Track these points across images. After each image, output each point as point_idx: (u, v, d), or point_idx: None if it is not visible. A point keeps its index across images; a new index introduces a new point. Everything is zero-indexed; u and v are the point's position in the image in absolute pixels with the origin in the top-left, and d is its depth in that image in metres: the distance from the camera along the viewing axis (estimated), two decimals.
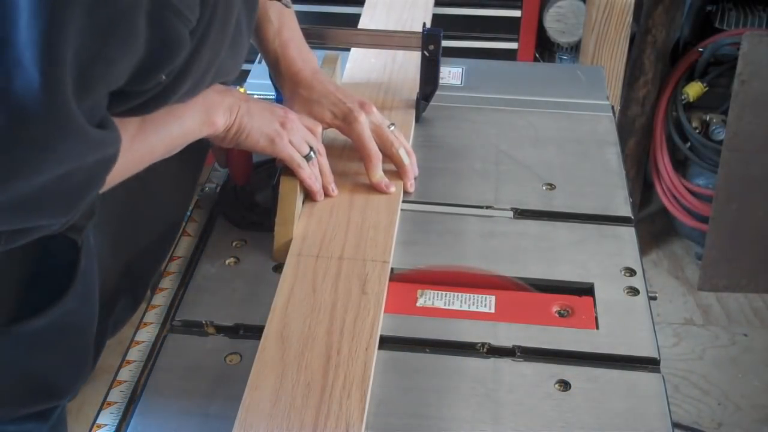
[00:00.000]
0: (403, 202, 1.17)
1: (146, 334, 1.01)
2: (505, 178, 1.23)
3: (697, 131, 2.64)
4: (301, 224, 1.08)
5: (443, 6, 2.49)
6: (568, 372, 0.94)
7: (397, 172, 1.17)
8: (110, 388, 0.95)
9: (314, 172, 1.10)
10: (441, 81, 1.32)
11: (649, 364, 0.95)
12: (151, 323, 1.02)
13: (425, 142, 1.31)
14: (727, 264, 2.62)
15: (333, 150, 1.18)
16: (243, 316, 1.00)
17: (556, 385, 0.92)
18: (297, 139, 1.07)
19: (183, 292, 1.04)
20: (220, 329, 0.99)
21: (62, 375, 0.96)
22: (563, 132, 1.35)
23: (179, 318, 1.00)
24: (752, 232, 2.58)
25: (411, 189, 1.18)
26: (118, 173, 0.86)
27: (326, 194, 1.12)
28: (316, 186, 1.10)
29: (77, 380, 0.98)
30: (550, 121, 1.37)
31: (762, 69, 2.41)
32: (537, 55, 2.61)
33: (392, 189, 1.14)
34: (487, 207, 1.18)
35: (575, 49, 2.57)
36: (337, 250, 1.03)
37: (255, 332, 0.98)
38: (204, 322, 0.99)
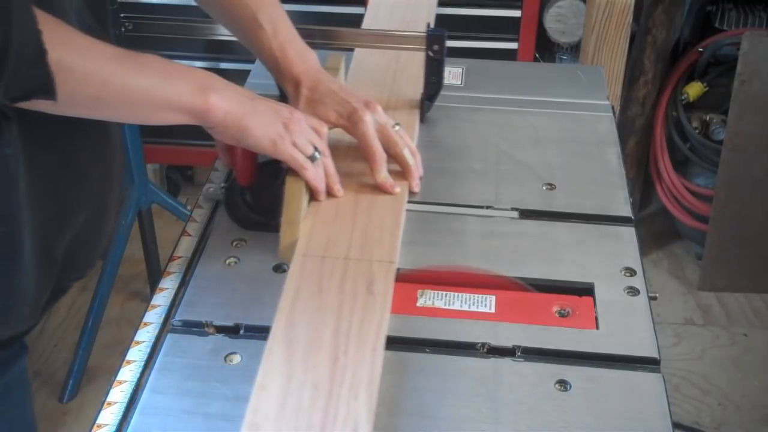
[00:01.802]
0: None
1: (146, 334, 1.01)
2: (505, 178, 1.23)
3: (697, 131, 2.64)
4: (306, 224, 1.07)
5: (443, 6, 2.48)
6: (568, 372, 0.94)
7: (401, 172, 1.17)
8: (110, 387, 0.95)
9: (318, 172, 1.09)
10: None
11: (650, 364, 0.95)
12: (151, 323, 1.02)
13: (425, 142, 1.31)
14: (727, 264, 2.62)
15: (338, 150, 1.17)
16: (243, 316, 1.00)
17: (556, 385, 0.92)
18: (301, 140, 1.07)
19: (183, 292, 1.04)
20: (220, 329, 0.99)
21: None
22: (563, 132, 1.35)
23: (179, 318, 1.00)
24: (752, 232, 2.58)
25: (416, 189, 1.18)
26: (83, 90, 0.88)
27: (331, 194, 1.12)
28: (320, 186, 1.10)
29: (11, 312, 0.96)
30: (550, 121, 1.37)
31: (762, 69, 2.41)
32: (537, 55, 2.61)
33: (397, 189, 1.14)
34: (488, 207, 1.18)
35: (575, 49, 2.57)
36: (342, 251, 1.03)
37: (255, 332, 0.98)
38: (204, 322, 0.99)
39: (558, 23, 2.53)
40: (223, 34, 1.26)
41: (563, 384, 0.92)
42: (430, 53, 1.26)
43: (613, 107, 1.43)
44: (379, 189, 1.14)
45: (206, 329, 0.99)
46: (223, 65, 2.52)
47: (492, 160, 1.27)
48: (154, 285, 2.35)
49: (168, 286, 1.08)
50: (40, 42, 0.81)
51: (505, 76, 1.51)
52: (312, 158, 1.08)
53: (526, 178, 1.24)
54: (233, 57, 2.44)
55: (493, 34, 2.54)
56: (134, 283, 2.62)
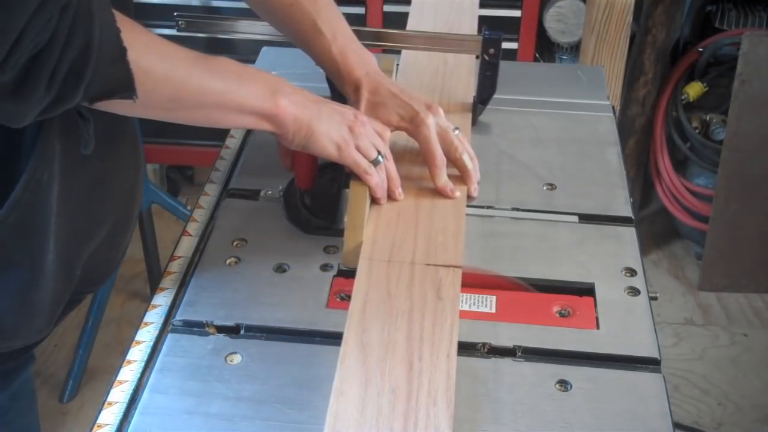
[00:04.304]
0: None
1: (147, 334, 1.01)
2: (505, 178, 1.23)
3: (697, 131, 2.64)
4: (369, 228, 1.07)
5: None
6: (569, 372, 0.94)
7: (459, 176, 1.16)
8: (111, 387, 0.95)
9: (381, 176, 1.09)
10: None
11: (650, 364, 0.95)
12: (152, 323, 1.02)
13: None
14: (727, 264, 2.62)
15: (393, 153, 1.15)
16: (244, 316, 1.00)
17: (557, 385, 0.92)
18: (365, 143, 1.06)
19: (183, 292, 1.04)
20: (221, 329, 0.99)
21: (5, 311, 0.93)
22: (563, 132, 1.35)
23: (180, 318, 1.00)
24: (752, 232, 2.58)
25: (475, 194, 1.17)
26: (160, 91, 0.89)
27: (393, 199, 1.11)
28: (382, 192, 1.09)
29: (26, 323, 0.95)
30: (551, 121, 1.37)
31: (762, 69, 2.41)
32: (537, 55, 2.61)
33: (457, 193, 1.13)
34: (488, 207, 1.18)
35: (575, 49, 2.57)
36: (408, 255, 1.02)
37: (256, 332, 0.98)
38: (204, 321, 0.99)
39: (558, 23, 2.53)
40: (272, 33, 1.26)
41: (564, 384, 0.92)
42: (486, 57, 1.25)
43: (613, 107, 1.43)
44: (438, 193, 1.13)
45: (207, 329, 0.99)
46: None
47: (492, 160, 1.27)
48: (154, 285, 2.35)
49: (168, 285, 1.08)
50: (119, 40, 0.81)
51: (505, 76, 1.50)
52: (375, 162, 1.07)
53: (527, 178, 1.24)
54: (234, 57, 2.44)
55: None
56: (134, 283, 2.62)
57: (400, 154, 1.17)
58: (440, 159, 1.12)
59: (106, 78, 0.81)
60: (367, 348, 0.89)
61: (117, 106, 0.87)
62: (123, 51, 0.81)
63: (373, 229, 1.06)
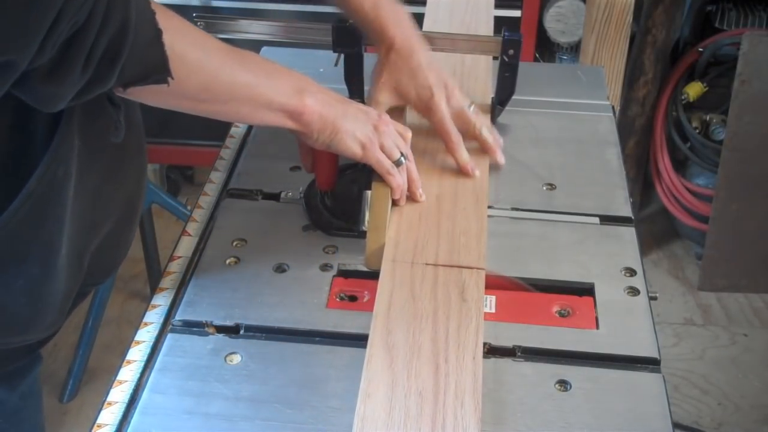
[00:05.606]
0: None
1: (147, 334, 1.01)
2: (505, 178, 1.23)
3: (697, 131, 2.64)
4: (391, 230, 1.06)
5: None
6: (569, 372, 0.94)
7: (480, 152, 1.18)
8: (111, 387, 0.95)
9: (403, 177, 1.09)
10: None
11: (650, 364, 0.95)
12: (152, 323, 1.02)
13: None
14: (727, 264, 2.62)
15: (414, 151, 1.15)
16: (243, 316, 1.00)
17: (557, 385, 0.92)
18: (389, 143, 1.06)
19: (183, 292, 1.04)
20: (221, 329, 0.99)
21: (18, 305, 0.93)
22: (563, 132, 1.35)
23: (179, 318, 1.00)
24: (752, 232, 2.58)
25: (501, 161, 1.20)
26: (193, 79, 0.88)
27: (414, 200, 1.11)
28: (403, 193, 1.10)
29: (39, 317, 0.95)
30: (550, 121, 1.37)
31: (762, 69, 2.41)
32: (537, 55, 2.61)
33: (477, 172, 1.15)
34: (488, 207, 1.18)
35: (575, 49, 2.57)
36: (431, 257, 1.02)
37: (255, 332, 0.98)
38: (204, 321, 0.99)
39: (558, 23, 2.53)
40: (293, 35, 1.26)
41: (564, 384, 0.92)
42: (505, 58, 1.25)
43: (613, 107, 1.43)
44: (460, 192, 1.13)
45: (206, 329, 0.99)
46: None
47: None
48: (154, 285, 2.34)
49: (168, 285, 1.08)
50: (155, 22, 0.81)
51: None
52: (397, 163, 1.07)
53: (526, 178, 1.24)
54: None
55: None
56: (134, 283, 2.62)
57: (420, 157, 1.16)
58: (456, 135, 1.14)
59: (141, 60, 0.81)
60: (393, 350, 0.89)
61: (148, 95, 0.87)
62: (159, 33, 0.81)
63: (395, 231, 1.06)
